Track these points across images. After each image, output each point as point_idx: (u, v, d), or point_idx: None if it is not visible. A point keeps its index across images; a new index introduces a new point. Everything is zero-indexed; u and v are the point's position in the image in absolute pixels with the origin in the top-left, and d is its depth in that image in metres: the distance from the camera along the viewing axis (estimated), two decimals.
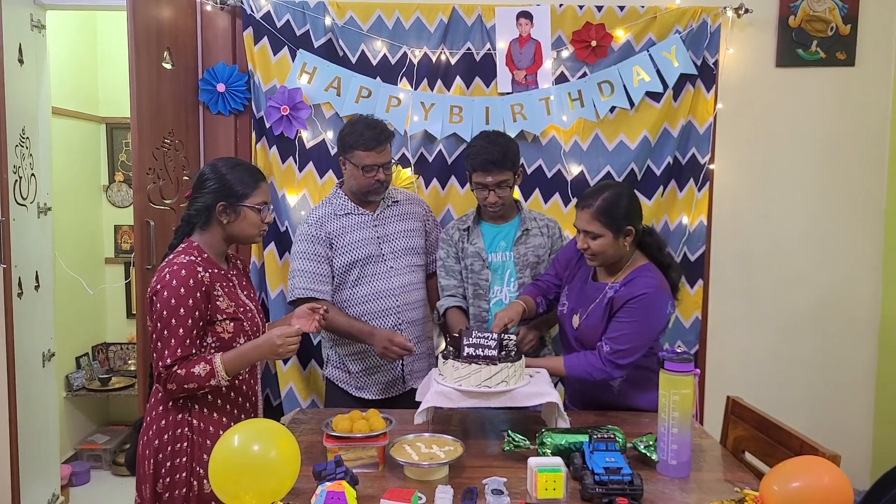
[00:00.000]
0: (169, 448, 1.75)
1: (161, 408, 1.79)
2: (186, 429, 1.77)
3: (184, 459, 1.75)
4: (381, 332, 2.28)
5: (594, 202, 2.00)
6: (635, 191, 2.76)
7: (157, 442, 1.76)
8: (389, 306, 2.38)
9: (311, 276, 2.34)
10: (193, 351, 1.74)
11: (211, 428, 1.78)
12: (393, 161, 2.44)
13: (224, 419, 1.81)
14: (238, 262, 2.00)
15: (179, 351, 1.71)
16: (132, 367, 3.98)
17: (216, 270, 1.83)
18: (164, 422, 1.77)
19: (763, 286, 3.03)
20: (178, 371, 1.70)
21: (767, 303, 3.04)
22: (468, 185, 2.81)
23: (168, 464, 1.75)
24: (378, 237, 2.39)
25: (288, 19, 2.80)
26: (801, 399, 3.04)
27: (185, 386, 1.71)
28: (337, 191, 2.44)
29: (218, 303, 1.79)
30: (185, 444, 1.76)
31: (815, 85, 2.95)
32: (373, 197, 2.38)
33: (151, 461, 1.75)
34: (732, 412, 2.04)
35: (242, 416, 1.87)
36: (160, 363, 1.71)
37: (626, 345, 1.97)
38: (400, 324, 2.39)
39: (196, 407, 1.79)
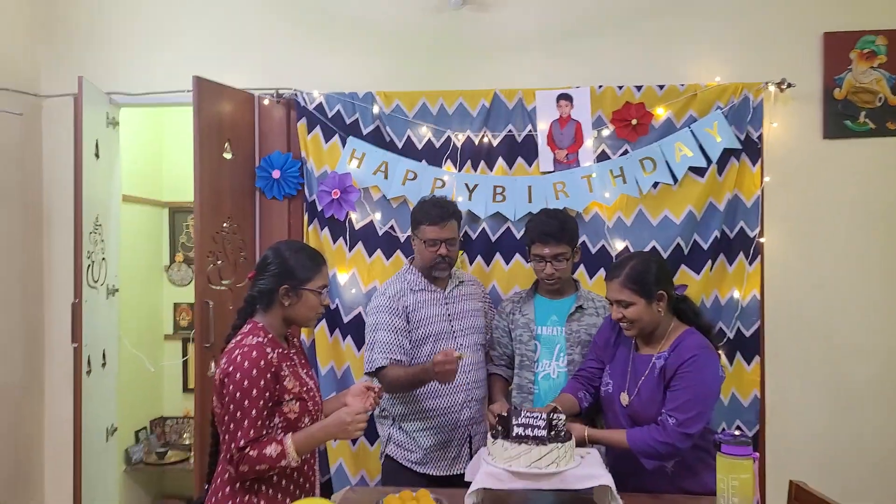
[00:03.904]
0: None
1: (227, 489, 1.79)
2: None
3: None
4: (432, 362, 2.23)
5: (622, 272, 2.03)
6: (682, 264, 2.81)
7: None
8: (460, 383, 2.39)
9: (393, 347, 2.35)
10: (264, 432, 1.75)
11: None
12: (460, 238, 2.49)
13: (287, 500, 1.81)
14: (296, 340, 2.04)
15: (252, 432, 1.71)
16: (187, 441, 4.06)
17: (281, 350, 1.86)
18: (230, 503, 1.78)
19: (822, 360, 2.93)
20: (251, 453, 1.71)
21: (827, 377, 2.93)
22: (512, 261, 2.89)
23: None
24: (448, 314, 2.44)
25: (339, 109, 2.97)
26: (871, 481, 2.87)
27: (257, 468, 1.72)
28: (409, 267, 2.50)
29: (285, 383, 1.81)
30: None
31: (865, 155, 2.93)
32: (437, 273, 2.43)
33: None
34: (796, 499, 1.94)
35: (302, 495, 1.86)
36: (233, 445, 1.72)
37: (691, 412, 1.93)
38: (469, 400, 2.41)
39: (262, 489, 1.79)
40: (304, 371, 1.94)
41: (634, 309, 2.01)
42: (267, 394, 1.75)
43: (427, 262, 2.41)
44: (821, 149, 2.94)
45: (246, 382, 1.72)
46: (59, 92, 3.11)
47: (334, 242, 2.97)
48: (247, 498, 1.77)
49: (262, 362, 1.75)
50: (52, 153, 3.18)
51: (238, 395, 1.72)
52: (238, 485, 1.78)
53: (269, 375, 1.75)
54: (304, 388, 1.87)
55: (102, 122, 3.07)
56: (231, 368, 1.75)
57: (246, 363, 1.74)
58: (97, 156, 2.99)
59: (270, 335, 1.85)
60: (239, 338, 1.83)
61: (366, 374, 2.41)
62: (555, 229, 2.32)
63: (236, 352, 1.77)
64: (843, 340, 2.93)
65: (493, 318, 2.60)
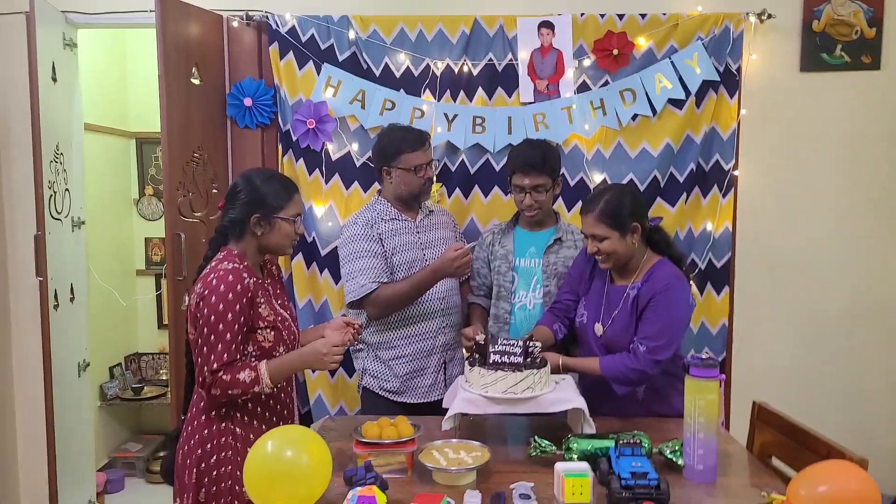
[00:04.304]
0: (213, 457, 1.77)
1: (203, 417, 1.80)
2: (230, 437, 1.78)
3: (228, 468, 1.77)
4: (440, 260, 2.27)
5: (597, 206, 2.04)
6: (658, 195, 2.83)
7: (199, 451, 1.77)
8: (435, 309, 2.41)
9: (379, 271, 2.34)
10: (238, 357, 1.75)
11: (252, 436, 1.77)
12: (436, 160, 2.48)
13: (264, 427, 1.81)
14: (273, 268, 2.01)
15: (226, 356, 1.71)
16: (163, 377, 4.06)
17: (255, 279, 1.83)
18: (206, 431, 1.78)
19: (789, 291, 3.01)
20: (224, 377, 1.71)
21: (794, 308, 3.01)
22: (491, 193, 2.88)
23: (213, 473, 1.76)
24: (421, 243, 2.44)
25: (312, 34, 2.86)
26: (828, 404, 3.01)
27: (230, 392, 1.72)
28: (378, 198, 2.47)
29: (260, 310, 1.80)
30: (230, 452, 1.77)
31: (840, 89, 2.93)
32: (423, 197, 2.44)
33: (194, 470, 1.76)
34: (759, 417, 2.03)
35: (280, 423, 1.88)
36: (206, 368, 1.71)
37: (661, 339, 1.98)
38: (444, 326, 2.43)
39: (238, 415, 1.80)
40: (280, 301, 1.93)
41: (609, 242, 2.03)
42: (242, 318, 1.74)
43: (415, 189, 2.39)
44: (797, 82, 2.93)
45: (221, 306, 1.71)
46: (10, 10, 2.91)
47: (310, 174, 2.90)
48: (223, 425, 1.78)
49: (238, 287, 1.73)
50: (6, 76, 3.00)
51: (212, 318, 1.71)
52: (214, 412, 1.78)
53: (244, 300, 1.74)
54: (280, 318, 1.87)
55: (59, 44, 2.90)
56: (206, 292, 1.73)
57: (221, 287, 1.72)
58: (54, 79, 2.84)
59: (245, 263, 1.83)
60: (214, 263, 1.80)
61: (347, 304, 2.38)
62: (536, 160, 2.30)
63: (211, 276, 1.75)
64: (812, 273, 3.01)
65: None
